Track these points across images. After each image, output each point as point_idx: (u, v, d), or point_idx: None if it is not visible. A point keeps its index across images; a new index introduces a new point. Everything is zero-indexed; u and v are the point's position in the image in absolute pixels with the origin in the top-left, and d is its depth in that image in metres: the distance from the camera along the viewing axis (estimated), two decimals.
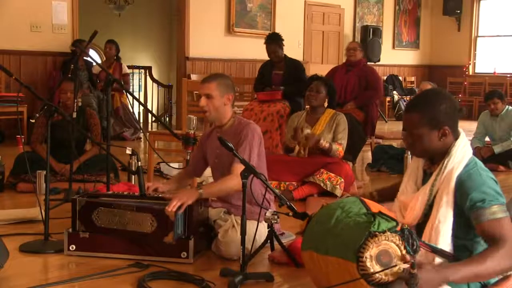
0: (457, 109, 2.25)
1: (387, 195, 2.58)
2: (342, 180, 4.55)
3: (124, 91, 7.41)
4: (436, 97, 2.24)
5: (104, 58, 8.68)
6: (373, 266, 1.98)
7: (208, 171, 4.61)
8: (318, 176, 4.55)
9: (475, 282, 2.17)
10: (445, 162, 2.20)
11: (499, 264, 2.03)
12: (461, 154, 2.20)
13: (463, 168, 2.17)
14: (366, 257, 1.97)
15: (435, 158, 2.26)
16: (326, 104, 4.80)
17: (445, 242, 2.15)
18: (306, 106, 6.19)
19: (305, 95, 4.85)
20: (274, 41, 6.22)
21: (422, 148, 2.24)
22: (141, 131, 8.06)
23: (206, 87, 3.18)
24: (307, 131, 4.62)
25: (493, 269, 2.04)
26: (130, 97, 7.76)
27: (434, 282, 1.95)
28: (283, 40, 6.23)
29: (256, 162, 3.10)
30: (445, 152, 2.22)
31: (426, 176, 2.31)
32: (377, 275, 1.96)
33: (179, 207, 2.87)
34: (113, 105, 7.78)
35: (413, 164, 2.39)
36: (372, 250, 1.99)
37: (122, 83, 6.82)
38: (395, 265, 1.97)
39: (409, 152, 5.34)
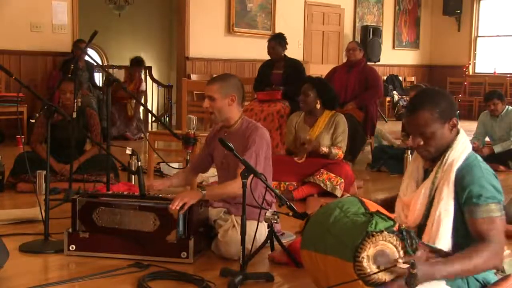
0: (455, 103, 2.29)
1: (390, 205, 2.53)
2: (342, 180, 4.55)
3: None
4: (437, 92, 2.26)
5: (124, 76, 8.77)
6: (370, 267, 1.98)
7: (209, 172, 4.60)
8: (318, 176, 4.55)
9: (474, 282, 2.18)
10: (447, 155, 2.21)
11: (485, 262, 2.06)
12: (462, 147, 2.22)
13: (463, 161, 2.18)
14: (363, 257, 1.98)
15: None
16: (318, 106, 4.68)
17: (446, 235, 2.16)
18: None
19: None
20: (274, 39, 6.29)
21: (436, 145, 2.21)
22: (142, 132, 8.08)
23: (208, 89, 3.19)
24: (307, 137, 4.59)
25: (479, 267, 2.07)
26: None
27: (426, 276, 1.97)
28: (285, 40, 6.26)
29: (263, 168, 3.11)
30: (447, 147, 2.23)
31: (427, 174, 2.31)
32: (373, 275, 1.96)
33: (182, 206, 2.87)
34: (127, 113, 8.10)
35: (413, 164, 2.39)
36: (369, 250, 1.99)
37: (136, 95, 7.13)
38: (394, 265, 1.97)
39: (409, 152, 5.34)
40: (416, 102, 2.23)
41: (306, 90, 4.67)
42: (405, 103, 11.69)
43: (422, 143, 2.21)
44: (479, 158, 2.24)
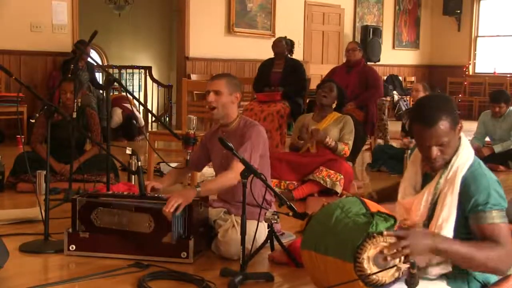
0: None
1: (387, 195, 2.55)
2: (342, 176, 4.55)
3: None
4: (443, 99, 2.23)
5: None
6: (370, 268, 1.98)
7: (209, 172, 4.60)
8: (317, 174, 4.55)
9: (475, 282, 2.18)
10: (452, 161, 2.19)
11: (492, 260, 2.04)
12: (466, 154, 2.20)
13: (468, 168, 2.17)
14: (363, 258, 1.98)
15: None
16: (334, 105, 4.89)
17: None
18: (305, 108, 6.22)
19: (317, 93, 4.92)
20: (284, 37, 6.45)
21: (451, 152, 2.19)
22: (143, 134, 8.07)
23: (215, 83, 3.20)
24: (313, 127, 4.68)
25: (483, 262, 2.04)
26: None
27: (422, 243, 1.96)
28: (293, 46, 6.43)
29: (258, 164, 3.10)
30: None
31: (427, 178, 2.29)
32: (374, 276, 1.96)
33: (177, 208, 2.87)
34: None
35: (411, 170, 2.36)
36: (369, 252, 1.99)
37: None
38: (394, 266, 1.97)
39: (409, 152, 5.33)
40: (431, 114, 2.14)
41: (332, 86, 4.88)
42: (405, 102, 11.68)
43: (439, 153, 2.17)
44: (482, 164, 2.22)
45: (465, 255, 2.02)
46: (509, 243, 2.08)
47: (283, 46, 6.28)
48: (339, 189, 4.52)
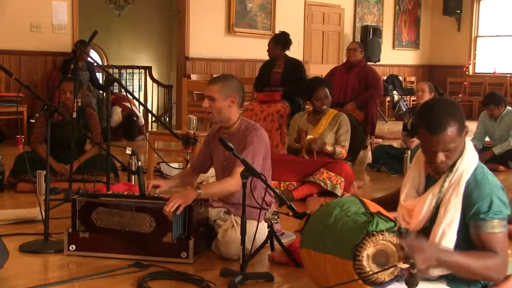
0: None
1: (386, 204, 2.46)
2: (342, 179, 4.55)
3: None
4: (450, 104, 2.20)
5: None
6: (369, 266, 1.98)
7: (210, 172, 4.61)
8: (318, 175, 4.55)
9: (475, 282, 2.17)
10: (457, 164, 2.18)
11: (489, 270, 2.05)
12: (471, 158, 2.19)
13: (472, 173, 2.17)
14: (362, 256, 1.98)
15: None
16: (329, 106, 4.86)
17: (449, 245, 2.14)
18: (306, 107, 6.20)
19: (314, 103, 4.77)
20: (273, 39, 6.33)
21: (456, 157, 2.18)
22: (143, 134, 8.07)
23: (209, 89, 3.19)
24: (310, 136, 4.62)
25: (482, 271, 2.05)
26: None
27: (426, 253, 1.95)
28: (285, 40, 6.23)
29: (261, 168, 3.10)
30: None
31: (430, 180, 2.29)
32: (374, 274, 1.97)
33: (177, 208, 2.87)
34: None
35: (414, 171, 2.34)
36: (369, 250, 1.99)
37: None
38: (395, 265, 1.97)
39: (409, 152, 5.34)
40: (439, 120, 2.12)
41: (326, 93, 4.74)
42: (405, 102, 11.68)
43: (444, 158, 2.16)
44: (486, 169, 2.21)
45: (463, 265, 2.03)
46: (505, 253, 2.09)
47: (276, 50, 6.18)
48: (339, 192, 4.51)
